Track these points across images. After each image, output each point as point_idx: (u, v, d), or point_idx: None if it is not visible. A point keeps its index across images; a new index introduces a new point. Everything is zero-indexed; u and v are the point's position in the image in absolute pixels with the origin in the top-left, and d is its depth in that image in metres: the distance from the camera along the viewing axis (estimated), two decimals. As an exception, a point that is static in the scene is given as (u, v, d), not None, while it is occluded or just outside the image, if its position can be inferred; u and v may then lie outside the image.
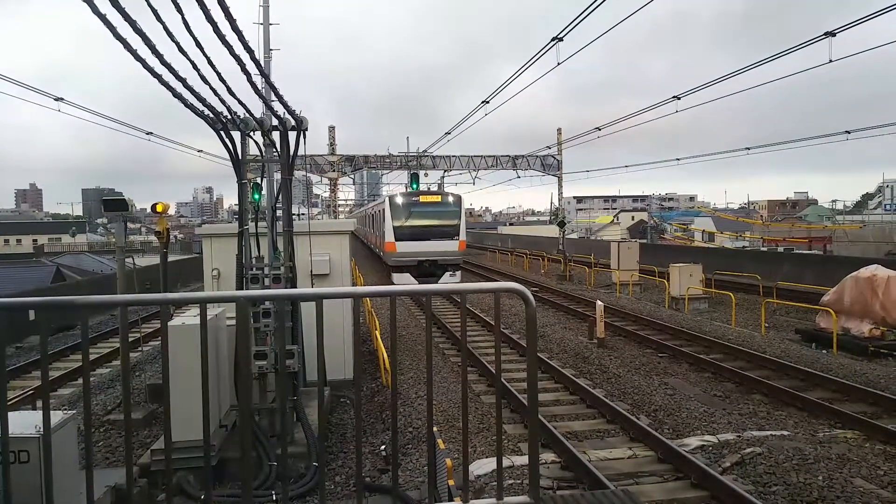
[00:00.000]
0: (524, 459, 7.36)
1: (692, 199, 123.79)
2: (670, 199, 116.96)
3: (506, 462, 7.37)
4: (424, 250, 24.70)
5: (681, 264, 22.38)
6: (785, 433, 8.54)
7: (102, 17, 4.60)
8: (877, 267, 14.92)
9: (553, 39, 13.62)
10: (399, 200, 25.98)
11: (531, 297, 2.86)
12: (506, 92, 19.50)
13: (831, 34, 12.62)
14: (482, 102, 21.69)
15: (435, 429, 6.33)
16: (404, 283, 24.24)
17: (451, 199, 26.43)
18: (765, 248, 42.43)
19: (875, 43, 13.44)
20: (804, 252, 37.26)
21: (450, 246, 25.14)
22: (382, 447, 8.15)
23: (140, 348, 11.92)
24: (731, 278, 24.70)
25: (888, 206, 68.58)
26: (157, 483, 7.00)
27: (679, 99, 19.34)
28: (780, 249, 39.85)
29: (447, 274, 25.37)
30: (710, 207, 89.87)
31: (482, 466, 7.47)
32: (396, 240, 24.86)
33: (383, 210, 26.01)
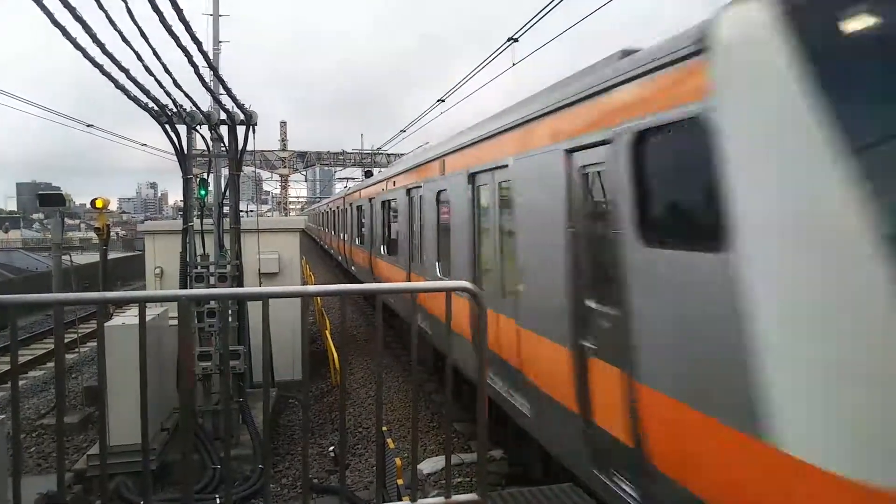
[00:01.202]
0: (475, 456, 7.42)
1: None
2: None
3: (455, 460, 7.42)
4: None
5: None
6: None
7: (40, 3, 4.40)
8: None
9: (509, 40, 13.70)
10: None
11: (481, 296, 2.91)
12: (462, 90, 19.54)
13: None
14: (437, 101, 21.67)
15: (385, 428, 6.32)
16: None
17: None
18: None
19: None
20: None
21: None
22: (331, 448, 8.09)
23: (77, 349, 11.40)
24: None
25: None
26: (93, 489, 6.74)
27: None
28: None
29: None
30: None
31: (432, 465, 7.50)
32: None
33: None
